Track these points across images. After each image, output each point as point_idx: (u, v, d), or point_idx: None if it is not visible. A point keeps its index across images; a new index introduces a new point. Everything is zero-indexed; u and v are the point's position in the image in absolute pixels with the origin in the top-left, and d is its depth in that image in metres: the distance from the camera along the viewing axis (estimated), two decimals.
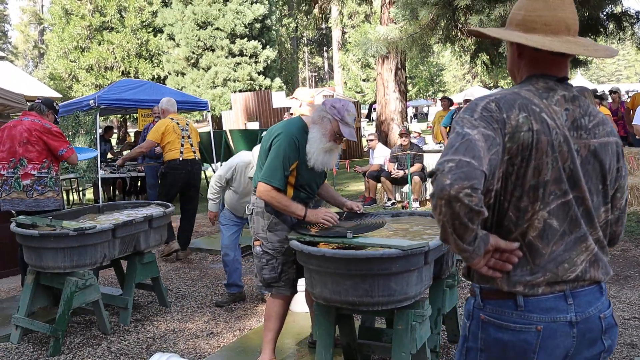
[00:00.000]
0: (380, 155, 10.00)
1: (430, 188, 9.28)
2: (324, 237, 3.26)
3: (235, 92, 23.79)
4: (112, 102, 10.41)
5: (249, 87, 26.62)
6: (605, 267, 1.74)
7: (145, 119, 10.63)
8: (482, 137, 1.54)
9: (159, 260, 6.14)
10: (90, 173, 10.25)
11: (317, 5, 21.65)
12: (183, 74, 27.26)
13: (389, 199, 9.57)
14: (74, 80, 25.64)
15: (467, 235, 1.52)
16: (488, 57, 14.68)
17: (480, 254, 1.61)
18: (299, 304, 4.51)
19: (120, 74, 25.32)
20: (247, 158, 5.09)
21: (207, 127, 13.04)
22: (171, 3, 26.93)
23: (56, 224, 4.31)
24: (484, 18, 8.91)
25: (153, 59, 27.15)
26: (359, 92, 36.08)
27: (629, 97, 17.10)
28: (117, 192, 12.06)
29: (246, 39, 27.51)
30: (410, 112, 36.39)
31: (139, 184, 11.65)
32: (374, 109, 23.84)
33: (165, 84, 24.25)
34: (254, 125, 16.13)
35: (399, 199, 9.69)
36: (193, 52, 27.05)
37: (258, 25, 28.10)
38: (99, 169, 9.89)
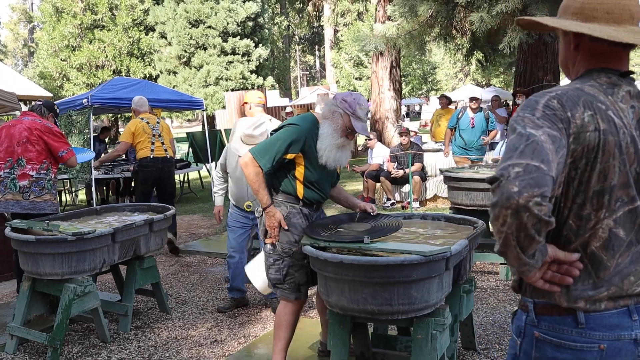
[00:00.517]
0: (379, 155, 9.84)
1: (431, 188, 9.16)
2: (339, 243, 3.10)
3: (227, 90, 23.58)
4: (106, 101, 10.19)
5: (242, 86, 26.38)
6: None
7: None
8: (549, 139, 1.38)
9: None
10: (83, 174, 10.03)
11: (310, 2, 21.47)
12: (175, 73, 26.97)
13: (388, 199, 9.43)
14: (64, 79, 25.31)
15: (531, 248, 1.37)
16: (483, 55, 14.62)
17: (538, 266, 1.46)
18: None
19: (111, 72, 25.02)
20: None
21: (199, 127, 12.85)
22: (163, 1, 26.64)
23: (53, 229, 4.12)
24: (485, 15, 8.78)
25: (145, 57, 26.86)
26: (352, 91, 35.88)
27: None
28: (110, 193, 11.84)
29: (238, 37, 27.27)
30: (403, 110, 36.29)
31: (133, 184, 11.43)
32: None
33: (157, 83, 23.98)
34: None
35: (399, 199, 9.54)
36: (185, 51, 26.77)
37: (250, 24, 27.86)
38: (93, 169, 9.66)
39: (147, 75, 25.60)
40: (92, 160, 9.29)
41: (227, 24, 26.68)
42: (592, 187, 1.48)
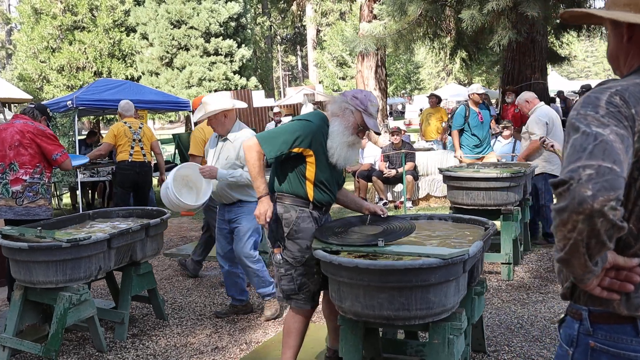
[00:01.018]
0: (370, 155, 9.76)
1: (424, 187, 9.09)
2: (352, 246, 2.99)
3: (211, 91, 23.37)
4: (91, 103, 9.99)
5: (225, 87, 26.17)
6: None
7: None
8: (617, 138, 1.29)
9: None
10: (68, 177, 9.80)
11: (295, 2, 21.36)
12: (157, 74, 26.68)
13: (380, 199, 9.34)
14: (44, 81, 24.88)
15: (599, 255, 1.28)
16: (467, 54, 14.62)
17: (598, 273, 1.36)
18: None
19: (92, 74, 24.64)
20: None
21: (181, 128, 12.67)
22: (144, 2, 26.33)
23: (47, 235, 3.96)
24: (476, 13, 8.74)
25: (126, 59, 26.51)
26: (336, 91, 35.82)
27: None
28: (96, 197, 11.61)
29: (221, 37, 27.06)
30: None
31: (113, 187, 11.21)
32: None
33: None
34: None
35: (391, 199, 9.46)
36: (167, 52, 26.49)
37: (233, 24, 27.67)
38: (78, 172, 9.45)
39: (129, 77, 25.26)
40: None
41: (210, 24, 26.46)
42: None
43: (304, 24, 38.98)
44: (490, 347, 3.94)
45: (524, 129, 6.89)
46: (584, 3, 11.71)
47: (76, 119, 9.81)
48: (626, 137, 1.31)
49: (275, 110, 12.93)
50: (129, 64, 26.60)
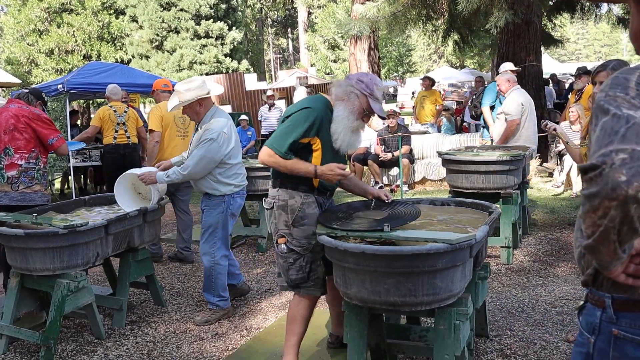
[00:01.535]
0: (365, 138, 9.68)
1: (419, 171, 9.05)
2: (358, 232, 2.94)
3: (202, 74, 23.17)
4: (82, 87, 9.84)
5: (216, 70, 25.98)
6: None
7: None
8: None
9: None
10: (60, 162, 9.68)
11: None
12: (147, 57, 26.43)
13: (376, 182, 9.30)
14: (33, 64, 24.55)
15: (629, 242, 1.24)
16: (459, 36, 14.53)
17: (624, 260, 1.33)
18: None
19: (81, 57, 24.33)
20: None
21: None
22: None
23: (43, 221, 3.89)
24: None
25: (116, 42, 26.18)
26: (328, 74, 35.63)
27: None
28: (88, 182, 11.50)
29: (212, 20, 26.79)
30: None
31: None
32: None
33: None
34: (227, 109, 15.61)
35: (387, 182, 9.42)
36: (157, 35, 26.22)
37: (223, 6, 27.40)
38: (70, 157, 9.34)
39: (119, 60, 24.97)
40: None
41: (200, 6, 26.19)
42: None
43: (294, 6, 38.67)
44: (493, 331, 3.92)
45: (499, 109, 6.91)
46: None
47: (67, 102, 9.67)
48: None
49: (269, 93, 12.83)
50: (118, 47, 26.29)
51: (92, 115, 22.37)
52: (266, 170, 6.04)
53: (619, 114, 1.26)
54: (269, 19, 48.95)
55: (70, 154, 9.20)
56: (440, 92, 17.20)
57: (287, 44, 54.64)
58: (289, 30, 50.51)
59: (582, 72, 9.12)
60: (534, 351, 3.61)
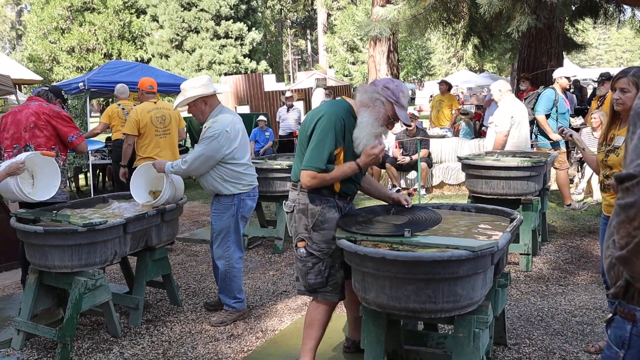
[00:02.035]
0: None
1: (437, 175, 8.98)
2: (378, 236, 2.91)
3: (221, 75, 23.26)
4: (103, 85, 9.91)
5: (235, 70, 26.10)
6: None
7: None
8: None
9: None
10: (80, 159, 9.75)
11: None
12: (167, 57, 26.63)
13: (393, 186, 9.25)
14: (54, 62, 24.83)
15: None
16: (479, 40, 14.42)
17: None
18: None
19: (102, 56, 24.58)
20: None
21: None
22: None
23: (62, 219, 3.90)
24: None
25: (136, 41, 26.43)
26: (346, 76, 35.59)
27: None
28: (106, 179, 11.57)
29: (231, 20, 26.93)
30: None
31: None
32: None
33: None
34: (245, 109, 15.66)
35: (404, 186, 9.37)
36: (177, 34, 26.41)
37: (243, 7, 27.53)
38: (90, 155, 9.41)
39: (139, 59, 25.18)
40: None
41: (220, 7, 26.33)
42: None
43: (314, 7, 38.68)
44: (511, 339, 3.87)
45: (490, 118, 6.88)
46: None
47: (88, 100, 9.74)
48: None
49: (287, 94, 12.81)
50: (138, 46, 26.52)
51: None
52: (283, 172, 6.03)
53: None
54: (288, 20, 49.04)
55: (89, 152, 9.27)
56: (458, 96, 17.10)
57: (306, 46, 54.67)
58: (308, 31, 50.54)
59: (605, 78, 8.98)
60: None
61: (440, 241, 2.80)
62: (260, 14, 29.37)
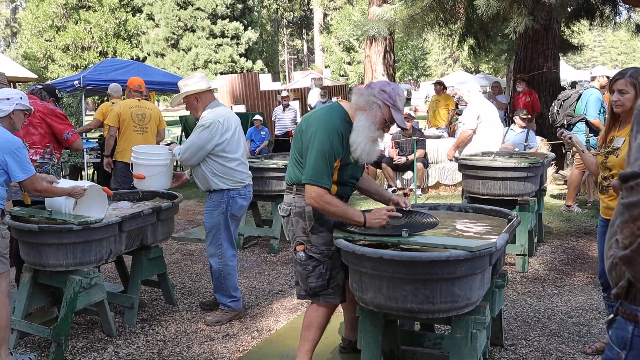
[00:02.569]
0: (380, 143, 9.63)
1: (433, 175, 8.98)
2: (375, 236, 2.90)
3: (217, 74, 23.21)
4: (98, 83, 9.87)
5: (231, 69, 26.06)
6: None
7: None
8: None
9: None
10: (75, 158, 9.71)
11: None
12: (163, 55, 26.58)
13: (389, 186, 9.24)
14: (49, 60, 24.73)
15: None
16: (475, 41, 14.43)
17: None
18: None
19: (97, 54, 24.50)
20: None
21: (185, 111, 12.53)
22: None
23: (57, 217, 3.87)
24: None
25: (132, 39, 26.35)
26: (342, 76, 35.57)
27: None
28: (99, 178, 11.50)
29: (228, 19, 26.89)
30: None
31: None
32: None
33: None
34: (240, 109, 15.62)
35: (400, 186, 9.36)
36: (173, 33, 26.37)
37: (240, 6, 27.49)
38: (85, 153, 9.37)
39: (135, 58, 25.11)
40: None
41: (216, 5, 26.28)
42: None
43: (310, 7, 38.67)
44: (508, 340, 3.86)
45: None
46: None
47: (83, 98, 9.70)
48: None
49: (284, 94, 12.79)
50: (134, 45, 26.45)
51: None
52: (279, 171, 6.01)
53: None
54: (284, 20, 49.02)
55: (84, 150, 9.24)
56: (455, 95, 17.11)
57: (302, 45, 54.68)
58: (304, 31, 50.55)
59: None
60: None
61: (438, 241, 2.78)
62: (256, 13, 29.33)
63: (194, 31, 26.45)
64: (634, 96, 3.15)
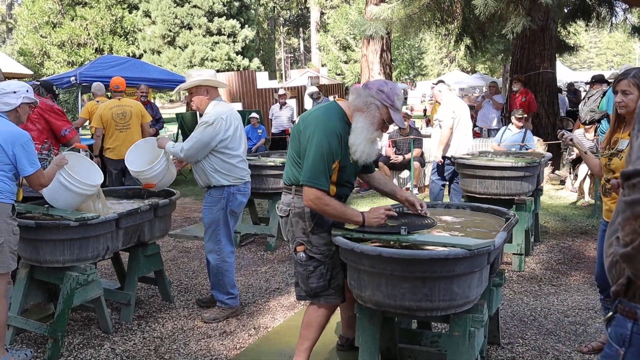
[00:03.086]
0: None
1: (430, 174, 8.97)
2: (374, 234, 2.90)
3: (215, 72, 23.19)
4: (95, 80, 9.82)
5: (227, 67, 26.01)
6: None
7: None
8: None
9: None
10: None
11: None
12: (159, 53, 26.50)
13: None
14: (45, 56, 24.64)
15: None
16: (472, 41, 14.45)
17: None
18: None
19: (93, 51, 24.42)
20: None
21: (183, 107, 12.53)
22: None
23: (54, 213, 3.86)
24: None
25: (128, 36, 26.28)
26: (339, 74, 35.57)
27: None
28: None
29: (224, 17, 26.84)
30: None
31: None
32: None
33: None
34: (237, 106, 15.60)
35: (397, 185, 9.35)
36: (170, 30, 26.31)
37: (236, 4, 27.45)
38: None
39: (131, 55, 25.03)
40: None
41: (213, 3, 26.23)
42: None
43: (307, 5, 38.63)
44: (504, 339, 3.87)
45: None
46: None
47: (79, 95, 9.68)
48: None
49: (280, 92, 12.78)
50: (130, 42, 26.38)
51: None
52: (277, 169, 6.01)
53: None
54: (281, 18, 48.98)
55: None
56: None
57: (299, 44, 54.64)
58: (301, 29, 50.51)
59: (595, 80, 9.02)
60: None
61: (438, 239, 2.79)
62: (253, 12, 29.29)
63: (190, 29, 26.39)
64: (637, 97, 3.10)
